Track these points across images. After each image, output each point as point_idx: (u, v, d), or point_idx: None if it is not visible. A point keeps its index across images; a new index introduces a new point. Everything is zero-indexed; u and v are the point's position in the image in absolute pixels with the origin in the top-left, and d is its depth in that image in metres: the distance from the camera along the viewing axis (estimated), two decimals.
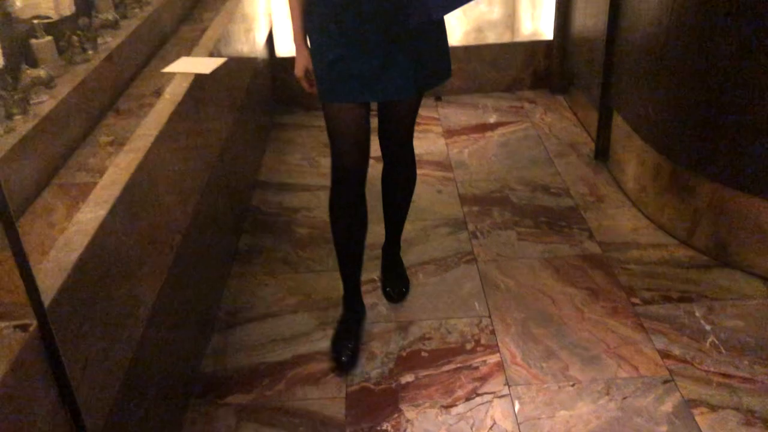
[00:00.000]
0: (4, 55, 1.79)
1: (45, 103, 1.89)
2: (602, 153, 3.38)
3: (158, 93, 2.19)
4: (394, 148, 2.31)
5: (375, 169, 2.33)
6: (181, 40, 2.96)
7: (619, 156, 3.19)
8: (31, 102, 1.86)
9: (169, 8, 3.03)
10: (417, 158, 2.42)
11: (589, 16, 3.55)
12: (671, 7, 2.60)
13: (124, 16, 2.67)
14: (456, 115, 3.97)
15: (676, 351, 2.22)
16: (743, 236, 2.53)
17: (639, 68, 2.93)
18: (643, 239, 2.79)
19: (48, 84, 1.95)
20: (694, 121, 2.60)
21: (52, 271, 1.25)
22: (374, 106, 2.15)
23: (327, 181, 3.32)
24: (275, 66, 4.05)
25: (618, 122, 3.19)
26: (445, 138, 3.70)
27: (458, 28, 4.07)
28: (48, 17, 2.11)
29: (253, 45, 3.36)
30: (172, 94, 2.06)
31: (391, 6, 1.91)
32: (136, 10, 2.75)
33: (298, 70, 2.11)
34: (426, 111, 3.96)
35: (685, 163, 2.67)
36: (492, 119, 3.90)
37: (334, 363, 2.24)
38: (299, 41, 2.10)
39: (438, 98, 4.14)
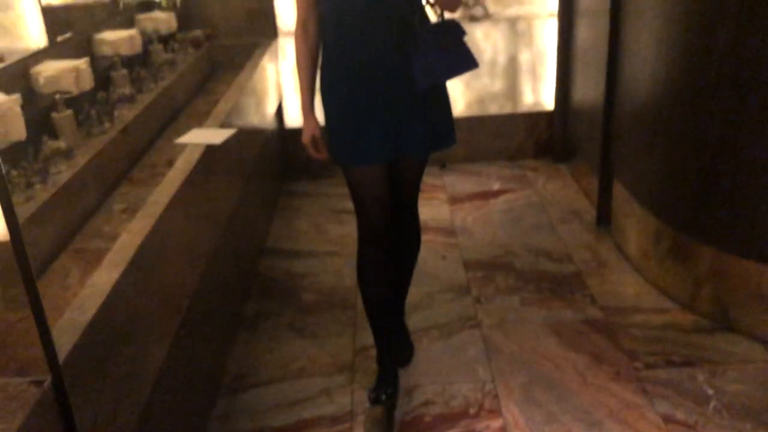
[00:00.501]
0: (27, 127, 1.89)
1: (63, 173, 1.98)
2: (604, 219, 3.44)
3: (170, 163, 2.27)
4: (400, 213, 2.37)
5: None
6: (193, 112, 3.08)
7: (620, 222, 3.25)
8: (51, 172, 1.96)
9: (182, 83, 3.17)
10: (422, 224, 2.48)
11: (588, 88, 3.68)
12: (663, 77, 2.71)
13: (140, 91, 2.80)
14: (460, 182, 4.06)
15: (679, 416, 2.23)
16: (744, 300, 2.56)
17: (636, 136, 3.02)
18: (645, 304, 2.82)
19: (67, 155, 2.05)
20: (691, 186, 2.67)
21: (67, 329, 1.30)
22: None
23: (334, 248, 3.41)
24: (284, 136, 4.17)
25: (618, 189, 3.26)
26: (450, 205, 3.78)
27: (461, 100, 4.20)
28: (69, 92, 2.24)
29: (263, 116, 3.48)
30: (184, 163, 2.14)
31: (401, 73, 2.04)
32: (152, 85, 2.89)
33: (305, 137, 2.21)
34: (431, 179, 4.05)
35: (685, 229, 2.72)
36: (495, 187, 3.98)
37: (372, 397, 2.28)
38: (307, 110, 2.20)
39: (443, 166, 4.24)
